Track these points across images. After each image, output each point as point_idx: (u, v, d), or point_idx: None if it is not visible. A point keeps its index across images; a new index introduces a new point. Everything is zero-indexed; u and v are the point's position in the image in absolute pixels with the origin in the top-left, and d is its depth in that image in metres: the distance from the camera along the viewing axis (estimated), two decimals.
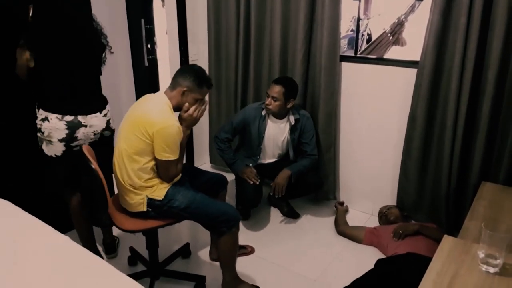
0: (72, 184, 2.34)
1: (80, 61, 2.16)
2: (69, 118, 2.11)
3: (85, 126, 2.16)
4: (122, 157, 2.00)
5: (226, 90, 3.45)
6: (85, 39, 2.16)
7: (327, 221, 3.00)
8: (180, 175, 2.14)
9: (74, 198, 2.36)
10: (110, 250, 2.57)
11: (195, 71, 2.07)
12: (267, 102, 2.73)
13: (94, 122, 2.18)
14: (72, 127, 2.12)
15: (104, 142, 2.29)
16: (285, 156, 2.98)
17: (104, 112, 2.23)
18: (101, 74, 2.34)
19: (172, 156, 1.96)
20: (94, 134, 2.22)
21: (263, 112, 2.83)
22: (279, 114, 2.81)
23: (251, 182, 2.75)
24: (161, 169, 2.01)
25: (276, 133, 2.87)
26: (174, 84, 2.05)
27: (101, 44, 2.26)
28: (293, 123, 2.83)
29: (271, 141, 2.89)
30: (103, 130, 2.25)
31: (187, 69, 2.10)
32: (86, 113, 2.15)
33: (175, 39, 3.36)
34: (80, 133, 2.15)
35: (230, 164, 2.90)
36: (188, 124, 2.08)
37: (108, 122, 2.26)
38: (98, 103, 2.23)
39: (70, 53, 2.11)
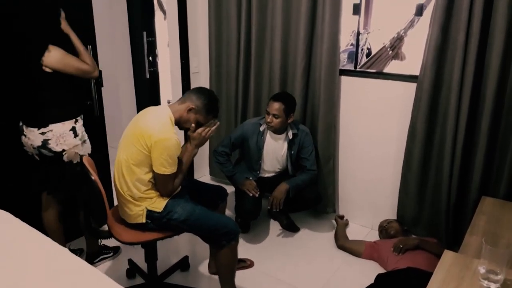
0: (47, 189, 2.37)
1: (23, 78, 2.20)
2: (21, 123, 2.26)
3: (25, 135, 2.23)
4: (121, 168, 2.00)
5: (227, 104, 3.46)
6: (22, 61, 2.17)
7: (327, 235, 2.98)
8: (180, 188, 2.13)
9: (49, 210, 2.38)
10: (90, 259, 2.56)
11: (211, 97, 2.11)
12: (268, 120, 2.73)
13: (30, 136, 2.20)
14: (20, 132, 2.26)
15: (53, 161, 2.24)
16: (285, 171, 2.97)
17: (42, 130, 2.16)
18: (48, 92, 2.21)
19: (169, 170, 1.95)
20: (33, 148, 2.23)
21: (261, 128, 2.84)
22: (279, 130, 2.81)
23: (251, 194, 2.74)
24: (159, 183, 2.01)
25: (275, 148, 2.87)
26: (185, 99, 2.07)
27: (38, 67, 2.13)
28: (291, 137, 2.83)
29: (270, 156, 2.89)
30: (40, 147, 2.19)
31: (204, 91, 2.12)
32: (27, 124, 2.21)
33: (177, 52, 3.39)
34: (23, 140, 2.25)
35: (229, 176, 2.90)
36: (197, 143, 2.10)
37: (45, 142, 2.17)
38: (39, 120, 2.17)
39: (14, 71, 2.21)
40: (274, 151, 2.88)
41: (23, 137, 2.24)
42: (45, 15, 2.19)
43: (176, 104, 2.08)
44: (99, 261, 2.59)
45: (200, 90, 2.11)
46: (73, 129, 2.21)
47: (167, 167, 1.93)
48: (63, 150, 2.20)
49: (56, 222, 2.40)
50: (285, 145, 2.87)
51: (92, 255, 2.57)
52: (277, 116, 2.70)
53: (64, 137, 2.19)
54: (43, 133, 2.16)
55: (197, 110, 2.05)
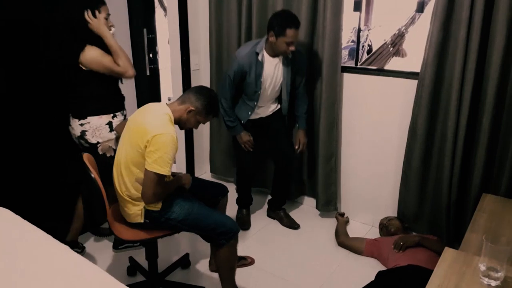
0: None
1: (66, 74, 2.35)
2: (70, 114, 2.41)
3: (70, 125, 2.40)
4: (120, 167, 1.99)
5: None
6: (65, 59, 2.32)
7: (328, 232, 2.98)
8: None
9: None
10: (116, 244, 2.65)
11: (211, 97, 2.07)
12: (292, 49, 2.56)
13: (73, 126, 2.36)
14: (68, 123, 2.44)
15: (92, 152, 2.30)
16: (279, 109, 2.93)
17: (82, 121, 2.31)
18: (82, 88, 2.35)
19: (163, 170, 1.86)
20: (75, 138, 2.40)
21: (260, 57, 2.70)
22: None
23: (247, 150, 2.85)
24: (146, 183, 1.89)
25: (273, 72, 2.74)
26: (184, 99, 2.04)
27: (69, 65, 2.29)
28: (290, 56, 2.68)
29: (269, 82, 2.76)
30: (78, 138, 2.36)
31: (204, 91, 2.07)
32: (72, 115, 2.38)
33: (177, 49, 3.38)
34: (70, 130, 2.42)
35: (230, 127, 2.87)
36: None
37: (83, 133, 2.32)
38: (78, 111, 2.34)
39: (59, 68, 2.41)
40: (273, 76, 2.74)
41: (69, 127, 2.41)
42: (77, 18, 2.24)
43: (176, 103, 2.05)
44: (123, 248, 2.60)
45: (199, 90, 2.07)
46: (109, 124, 2.34)
47: (162, 166, 1.86)
48: (98, 142, 2.33)
49: (83, 210, 2.45)
50: (282, 66, 2.73)
51: (119, 241, 2.58)
52: (296, 41, 2.58)
53: (100, 130, 2.31)
54: (82, 124, 2.32)
55: (197, 112, 2.04)
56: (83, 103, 2.33)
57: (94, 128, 2.31)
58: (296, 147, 2.93)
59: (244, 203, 3.13)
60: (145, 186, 1.91)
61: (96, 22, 2.24)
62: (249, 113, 2.84)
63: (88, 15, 2.22)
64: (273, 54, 2.69)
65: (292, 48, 2.56)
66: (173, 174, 2.16)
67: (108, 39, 2.27)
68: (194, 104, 2.02)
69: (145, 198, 1.95)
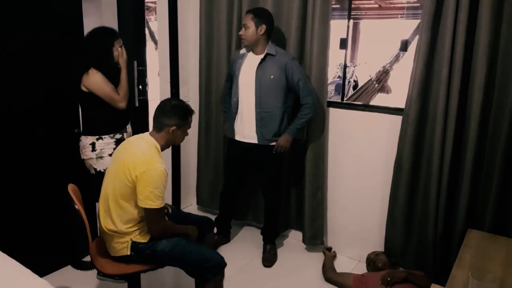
0: None
1: (71, 94, 2.55)
2: None
3: None
4: (108, 202, 1.96)
5: (215, 132, 3.46)
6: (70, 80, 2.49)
7: (315, 267, 2.94)
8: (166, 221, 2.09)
9: None
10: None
11: (176, 107, 2.05)
12: (241, 32, 2.66)
13: None
14: None
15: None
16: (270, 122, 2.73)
17: (80, 138, 2.54)
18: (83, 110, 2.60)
19: (156, 203, 1.88)
20: None
21: (242, 51, 2.76)
22: (256, 45, 2.67)
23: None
24: (148, 220, 1.95)
25: (252, 68, 2.68)
26: (159, 126, 2.02)
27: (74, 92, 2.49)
28: (262, 56, 2.64)
29: (245, 78, 2.71)
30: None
31: (168, 108, 2.04)
32: None
33: (167, 81, 3.41)
34: None
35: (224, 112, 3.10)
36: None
37: (80, 149, 2.54)
38: (82, 129, 2.60)
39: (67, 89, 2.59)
40: (250, 72, 2.70)
41: None
42: (97, 42, 2.43)
43: (154, 133, 2.04)
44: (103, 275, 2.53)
45: (164, 112, 2.03)
46: (93, 144, 2.48)
47: (154, 200, 1.87)
48: (83, 159, 2.53)
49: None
50: (258, 63, 2.66)
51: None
52: (247, 26, 2.61)
53: (85, 148, 2.50)
54: (79, 141, 2.54)
55: (178, 127, 2.02)
56: (82, 122, 2.60)
57: (83, 146, 2.51)
58: (275, 145, 2.77)
59: (220, 230, 3.12)
60: (148, 223, 1.95)
61: (119, 53, 2.49)
62: (233, 125, 2.86)
63: (116, 48, 2.46)
64: (256, 51, 2.72)
65: (241, 31, 2.67)
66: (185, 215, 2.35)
67: (124, 72, 2.53)
68: (171, 123, 2.00)
69: (154, 234, 1.98)
